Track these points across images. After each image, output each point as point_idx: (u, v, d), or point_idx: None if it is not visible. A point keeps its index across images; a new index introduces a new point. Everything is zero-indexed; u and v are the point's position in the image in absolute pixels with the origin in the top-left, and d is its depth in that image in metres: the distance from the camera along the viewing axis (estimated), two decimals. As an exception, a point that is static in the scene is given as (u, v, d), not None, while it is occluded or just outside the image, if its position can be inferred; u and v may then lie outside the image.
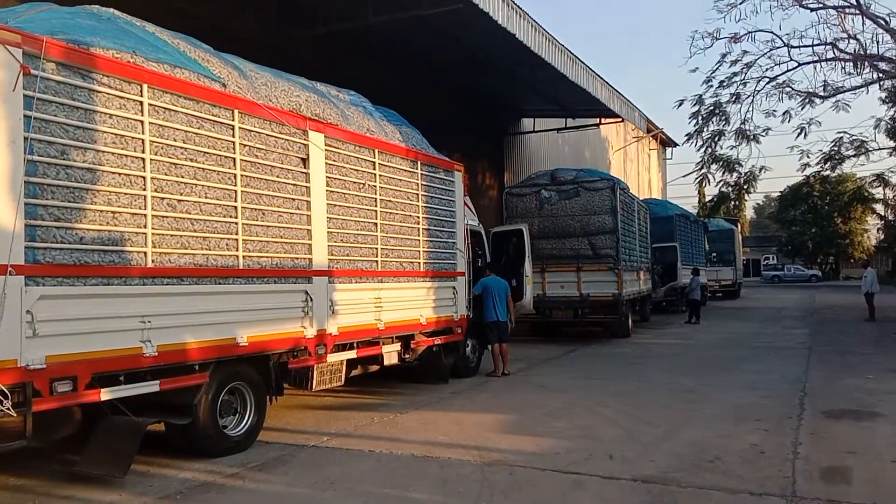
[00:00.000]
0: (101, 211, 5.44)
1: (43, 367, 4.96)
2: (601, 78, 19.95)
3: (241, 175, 6.70)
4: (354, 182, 8.34)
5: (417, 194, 9.62)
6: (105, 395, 5.45)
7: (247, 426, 6.83)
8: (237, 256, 6.62)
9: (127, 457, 5.56)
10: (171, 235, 6.00)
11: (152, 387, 5.82)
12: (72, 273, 5.22)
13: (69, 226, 5.23)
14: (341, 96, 9.05)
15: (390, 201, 9.00)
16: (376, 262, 8.70)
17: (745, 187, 23.20)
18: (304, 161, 7.52)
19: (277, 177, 7.17)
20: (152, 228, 5.81)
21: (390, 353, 9.23)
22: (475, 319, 11.25)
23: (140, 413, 5.83)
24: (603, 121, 26.06)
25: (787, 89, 19.69)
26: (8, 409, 4.68)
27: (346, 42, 14.38)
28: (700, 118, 20.92)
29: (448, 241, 10.41)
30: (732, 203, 28.20)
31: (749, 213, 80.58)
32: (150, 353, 5.73)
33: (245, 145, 6.78)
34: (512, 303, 11.72)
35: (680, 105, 21.15)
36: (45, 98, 5.12)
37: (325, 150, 7.81)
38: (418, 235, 9.61)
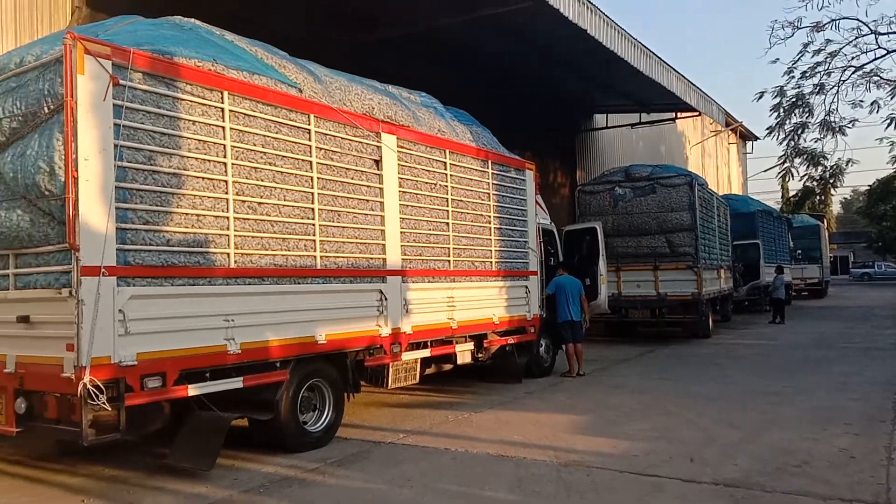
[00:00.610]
0: (187, 214, 5.67)
1: (134, 363, 5.21)
2: (676, 71, 19.46)
3: (318, 178, 6.86)
4: (426, 182, 8.41)
5: (489, 193, 9.62)
6: (192, 390, 5.68)
7: (326, 422, 6.99)
8: (315, 257, 6.78)
9: (213, 451, 5.77)
10: (252, 237, 6.20)
11: (236, 383, 6.03)
12: (160, 274, 5.46)
13: (157, 228, 5.48)
14: (412, 98, 9.14)
15: (462, 201, 9.03)
16: (448, 261, 8.74)
17: (831, 181, 22.10)
18: (378, 163, 7.63)
19: (352, 179, 7.30)
20: (234, 230, 6.02)
21: (463, 353, 9.26)
22: (548, 319, 11.16)
23: (225, 409, 6.03)
24: (679, 115, 25.38)
25: (875, 78, 18.67)
26: (103, 403, 4.93)
27: (414, 44, 14.50)
28: (782, 110, 20.06)
29: (520, 240, 10.37)
30: (818, 198, 27.05)
31: (836, 208, 76.95)
32: (234, 350, 5.93)
33: (321, 148, 6.94)
34: (586, 302, 11.57)
35: (760, 97, 20.35)
36: (133, 106, 5.37)
37: (398, 151, 7.91)
38: (490, 235, 9.61)
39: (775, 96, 19.83)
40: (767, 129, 20.80)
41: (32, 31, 8.52)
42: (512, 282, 10.10)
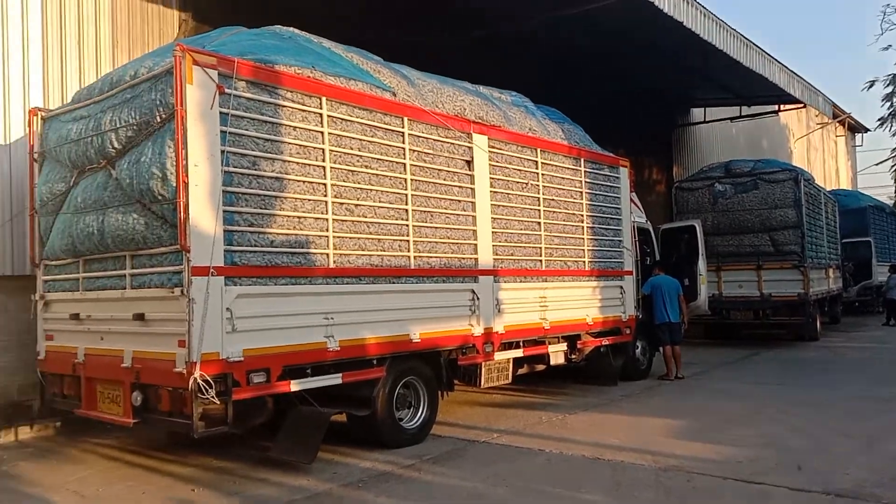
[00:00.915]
0: (288, 216, 5.88)
1: (241, 359, 5.45)
2: (778, 62, 18.57)
3: (411, 179, 6.96)
4: (517, 182, 8.38)
5: (581, 192, 9.49)
6: (294, 386, 5.88)
7: (421, 419, 7.08)
8: (409, 257, 6.89)
9: (314, 445, 5.96)
10: (350, 238, 6.36)
11: (335, 379, 6.20)
12: (264, 273, 5.69)
13: (261, 230, 5.71)
14: (503, 97, 9.14)
15: (554, 200, 8.95)
16: (540, 261, 8.68)
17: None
18: (469, 163, 7.67)
19: (444, 179, 7.37)
20: (333, 232, 6.20)
21: (556, 353, 9.17)
22: (644, 320, 10.89)
23: (324, 404, 6.22)
24: (782, 107, 24.17)
25: None
26: (212, 397, 5.18)
27: (506, 44, 14.47)
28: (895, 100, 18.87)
29: (614, 239, 10.17)
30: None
31: (959, 202, 71.32)
32: (334, 347, 6.11)
33: (414, 150, 7.04)
34: (684, 303, 11.22)
35: (871, 86, 19.29)
36: (238, 114, 5.62)
37: (489, 151, 7.92)
38: (583, 234, 9.48)
39: (887, 85, 18.67)
40: (879, 119, 19.62)
41: (144, 44, 9.04)
42: (606, 282, 9.92)
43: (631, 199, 10.79)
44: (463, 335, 7.48)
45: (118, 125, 5.80)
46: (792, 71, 19.72)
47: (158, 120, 5.54)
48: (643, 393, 9.82)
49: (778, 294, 14.95)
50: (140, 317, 5.68)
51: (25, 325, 7.25)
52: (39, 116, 7.04)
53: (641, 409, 8.73)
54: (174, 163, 5.30)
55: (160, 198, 5.43)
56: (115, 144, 5.84)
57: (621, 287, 10.26)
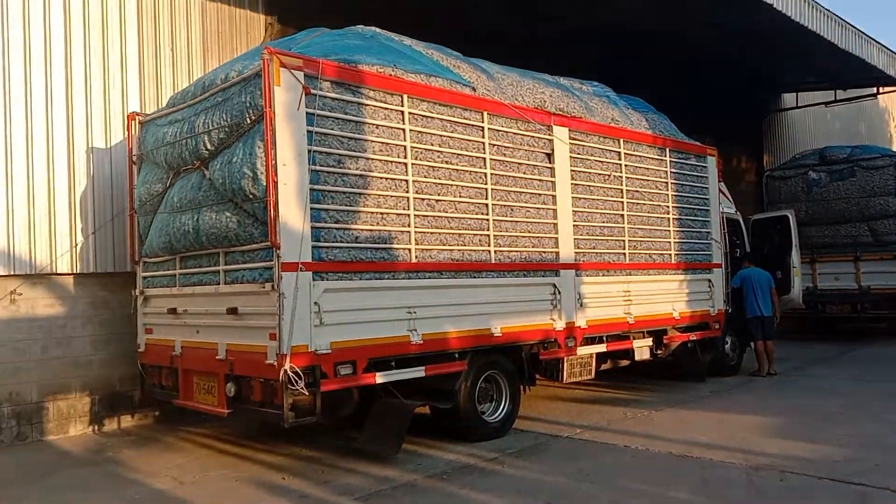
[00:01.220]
0: (372, 213, 6.01)
1: (328, 351, 5.61)
2: (877, 42, 17.54)
3: (491, 173, 6.97)
4: (599, 174, 8.26)
5: (666, 182, 9.26)
6: (379, 378, 6.01)
7: (503, 413, 7.10)
8: (489, 251, 6.90)
9: (398, 436, 6.07)
10: (431, 233, 6.43)
11: (418, 372, 6.29)
12: (349, 269, 5.83)
13: (346, 227, 5.85)
14: (584, 88, 9.01)
15: (637, 191, 8.77)
16: (624, 254, 8.53)
17: None
18: (549, 156, 7.61)
19: (524, 173, 7.34)
20: (415, 227, 6.29)
21: (641, 348, 8.98)
22: (734, 314, 10.54)
23: (408, 397, 6.32)
24: (881, 89, 22.86)
25: None
26: (302, 388, 5.35)
27: (588, 34, 14.23)
28: None
29: (701, 231, 9.88)
30: None
31: None
32: (417, 341, 6.21)
33: (494, 144, 7.05)
34: (777, 296, 10.80)
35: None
36: (323, 113, 5.78)
37: (570, 143, 7.84)
38: (668, 226, 9.25)
39: None
40: None
41: (233, 48, 9.37)
42: (693, 275, 9.65)
43: (719, 189, 10.45)
44: (544, 329, 7.44)
45: (210, 127, 6.05)
46: (892, 51, 18.60)
47: (248, 121, 5.75)
48: (734, 389, 9.52)
49: (877, 286, 14.17)
50: (233, 311, 5.92)
51: (126, 319, 7.68)
52: (137, 121, 7.43)
53: (731, 405, 8.47)
54: (264, 163, 5.49)
55: (251, 196, 5.64)
56: (208, 146, 6.10)
57: (709, 280, 9.96)
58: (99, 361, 7.92)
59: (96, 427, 7.88)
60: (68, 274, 7.80)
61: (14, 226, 7.43)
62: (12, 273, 7.40)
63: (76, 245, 7.82)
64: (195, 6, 9.02)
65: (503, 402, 7.13)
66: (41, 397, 7.57)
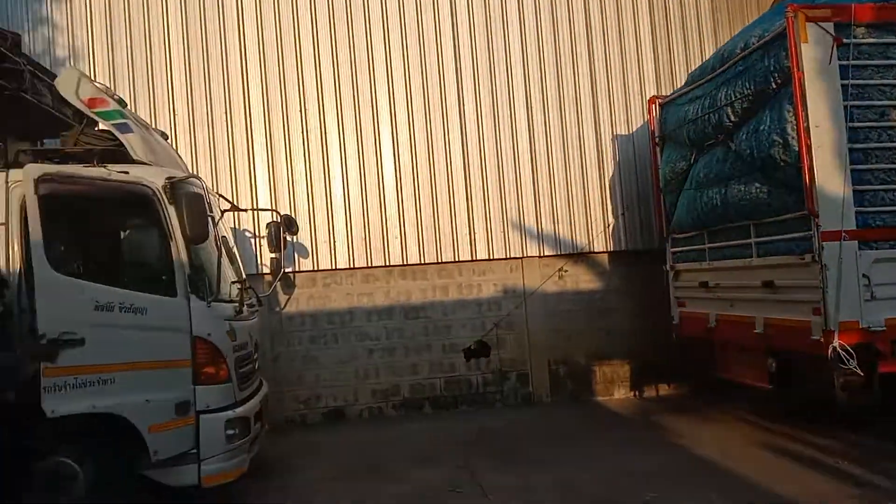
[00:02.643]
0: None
1: (883, 328, 5.04)
2: None
3: None
4: None
5: None
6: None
7: None
8: None
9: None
10: None
11: None
12: (903, 235, 5.11)
13: (895, 187, 5.14)
14: None
15: None
16: None
17: None
18: None
19: None
20: None
21: None
22: None
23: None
24: None
25: None
26: (854, 367, 4.90)
27: None
28: None
29: None
30: None
31: None
32: None
33: None
34: None
35: None
36: (859, 63, 5.18)
37: None
38: None
39: None
40: None
41: (743, 17, 9.06)
42: None
43: None
44: None
45: (733, 98, 5.97)
46: None
47: (774, 86, 5.51)
48: None
49: None
50: (769, 284, 5.75)
51: (655, 293, 8.10)
52: (657, 104, 7.78)
53: None
54: (794, 127, 5.21)
55: (782, 164, 5.40)
56: (732, 118, 6.03)
57: None
58: (633, 331, 8.60)
59: (636, 392, 8.59)
60: (602, 252, 8.66)
61: (558, 212, 8.53)
62: (559, 253, 8.55)
63: (608, 225, 8.61)
64: (703, -17, 9.03)
65: None
66: (588, 362, 8.59)
